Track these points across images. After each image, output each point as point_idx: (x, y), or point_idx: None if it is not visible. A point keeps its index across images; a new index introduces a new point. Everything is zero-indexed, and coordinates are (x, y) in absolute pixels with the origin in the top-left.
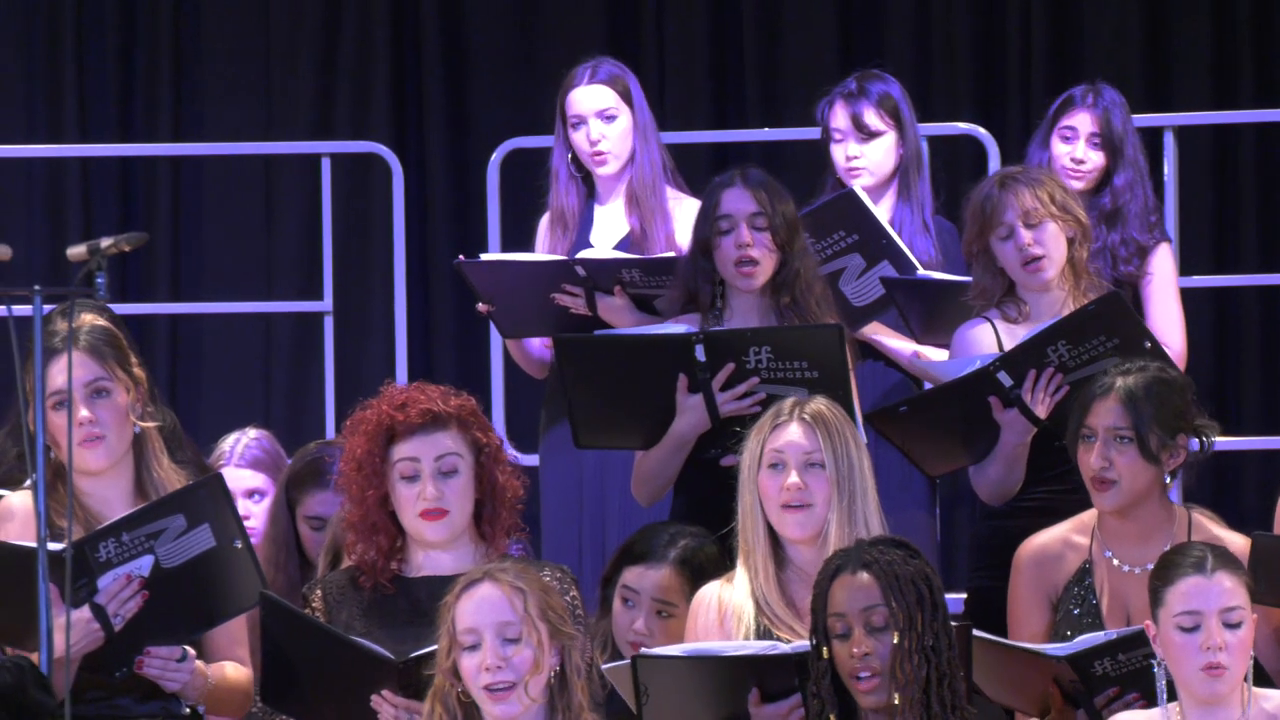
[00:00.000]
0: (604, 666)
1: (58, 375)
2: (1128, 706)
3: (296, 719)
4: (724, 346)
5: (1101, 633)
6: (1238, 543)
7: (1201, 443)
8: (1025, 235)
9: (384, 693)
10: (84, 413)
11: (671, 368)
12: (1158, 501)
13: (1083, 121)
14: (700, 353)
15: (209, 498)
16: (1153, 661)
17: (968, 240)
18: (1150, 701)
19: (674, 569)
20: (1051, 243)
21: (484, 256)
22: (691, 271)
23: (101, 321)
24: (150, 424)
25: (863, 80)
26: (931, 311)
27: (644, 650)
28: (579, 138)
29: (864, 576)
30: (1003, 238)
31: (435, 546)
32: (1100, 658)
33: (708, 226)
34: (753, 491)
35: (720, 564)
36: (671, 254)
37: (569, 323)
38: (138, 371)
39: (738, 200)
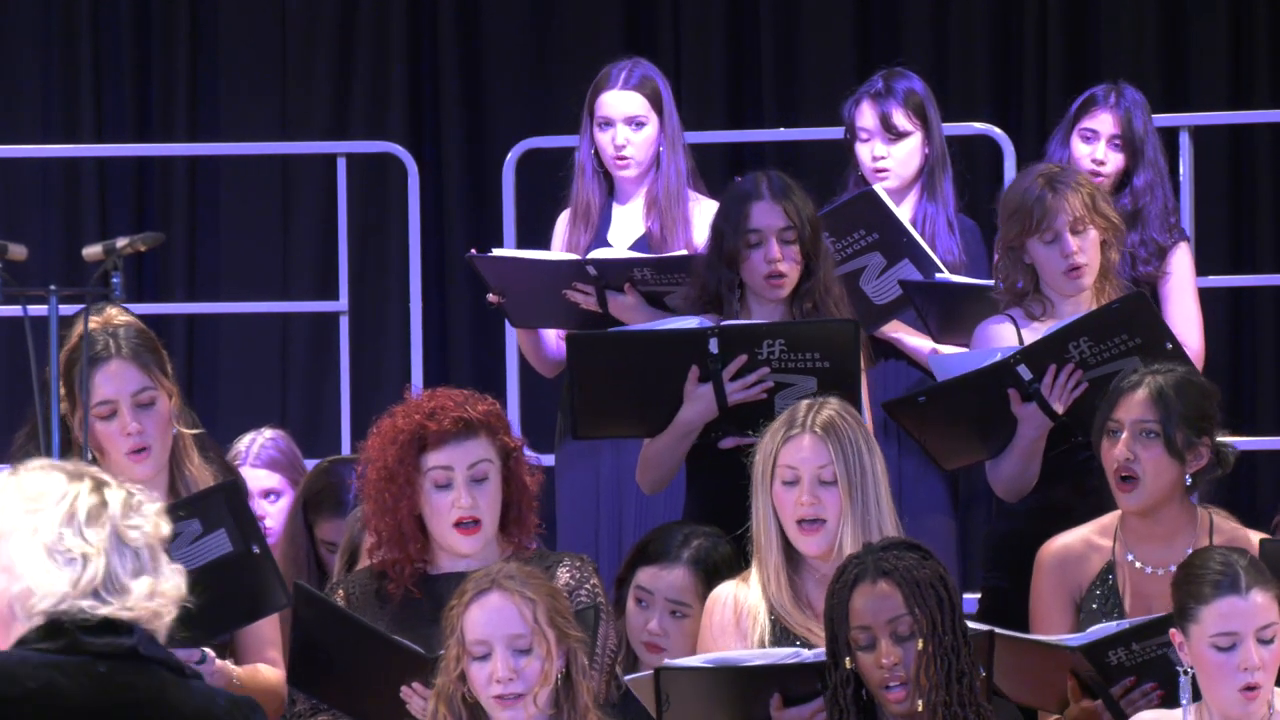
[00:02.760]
0: (626, 678)
1: (104, 384)
2: (1145, 695)
3: (323, 702)
4: (738, 340)
5: (1114, 622)
6: (1257, 541)
7: (1219, 459)
8: (1072, 243)
9: (414, 685)
10: (134, 424)
11: (684, 360)
12: (1180, 503)
13: (1104, 123)
14: (714, 345)
15: (226, 503)
16: (1179, 670)
17: (1006, 237)
18: (1169, 691)
19: (688, 569)
20: (1092, 250)
21: (496, 252)
22: (715, 278)
23: (134, 321)
24: (193, 430)
25: (889, 79)
26: (949, 314)
27: (667, 662)
28: (604, 139)
29: (884, 585)
30: (1048, 242)
31: (466, 556)
32: (1114, 647)
33: (737, 239)
34: (765, 501)
35: (734, 564)
36: (684, 252)
37: (580, 316)
38: (172, 374)
39: (767, 214)
